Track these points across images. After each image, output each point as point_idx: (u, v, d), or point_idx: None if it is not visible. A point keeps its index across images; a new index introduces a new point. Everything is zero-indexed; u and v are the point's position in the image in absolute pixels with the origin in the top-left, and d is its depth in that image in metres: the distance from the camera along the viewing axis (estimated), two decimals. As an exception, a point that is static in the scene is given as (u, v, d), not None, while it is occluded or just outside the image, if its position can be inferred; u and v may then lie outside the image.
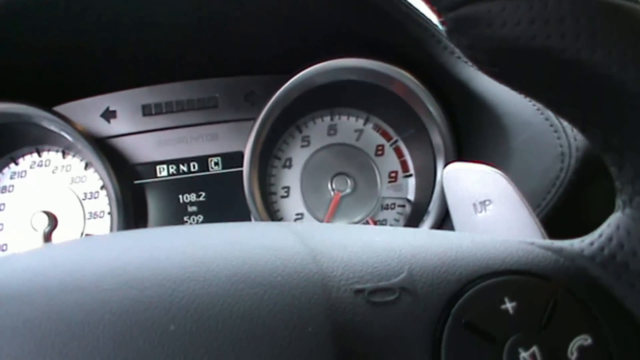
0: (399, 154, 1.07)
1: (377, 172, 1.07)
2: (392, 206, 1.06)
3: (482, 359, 0.37)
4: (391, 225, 1.06)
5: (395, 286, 0.39)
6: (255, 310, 0.36)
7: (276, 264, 0.38)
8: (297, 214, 1.06)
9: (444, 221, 0.97)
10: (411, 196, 1.06)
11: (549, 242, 0.45)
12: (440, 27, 0.43)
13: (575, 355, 0.38)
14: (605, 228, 0.43)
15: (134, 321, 0.35)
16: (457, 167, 0.60)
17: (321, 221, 1.06)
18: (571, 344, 0.38)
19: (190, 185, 1.04)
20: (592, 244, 0.43)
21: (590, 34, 0.36)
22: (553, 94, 0.41)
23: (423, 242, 0.42)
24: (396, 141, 1.07)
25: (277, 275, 0.38)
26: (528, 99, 0.79)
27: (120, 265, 0.38)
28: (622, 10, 0.37)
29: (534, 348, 0.38)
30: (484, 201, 0.54)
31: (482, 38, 0.39)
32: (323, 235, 0.43)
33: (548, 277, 0.41)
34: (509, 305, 0.39)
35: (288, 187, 1.07)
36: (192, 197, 1.04)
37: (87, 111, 1.03)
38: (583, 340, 0.39)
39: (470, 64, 0.87)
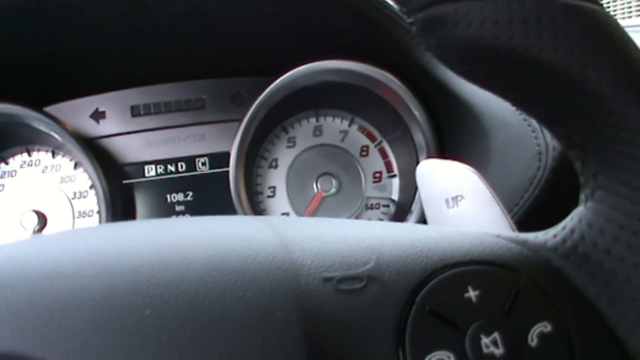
0: (384, 155, 1.09)
1: (361, 173, 1.08)
2: (377, 206, 1.08)
3: (445, 344, 0.39)
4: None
5: (363, 275, 0.40)
6: (228, 297, 0.37)
7: (249, 253, 0.40)
8: (283, 214, 1.07)
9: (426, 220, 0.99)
10: (395, 196, 1.08)
11: (514, 234, 0.46)
12: (410, 28, 0.44)
13: (535, 341, 0.40)
14: (569, 221, 0.45)
15: (111, 306, 0.36)
16: (430, 163, 0.61)
17: None
18: (532, 331, 0.40)
19: (177, 185, 1.06)
20: (555, 236, 0.45)
21: (552, 34, 0.38)
22: (519, 92, 0.42)
23: (391, 234, 0.44)
24: (380, 142, 1.09)
25: (249, 264, 0.39)
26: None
27: (100, 254, 0.40)
28: (584, 11, 0.38)
29: (495, 334, 0.39)
30: (456, 197, 0.56)
31: (449, 38, 0.40)
32: (296, 227, 0.44)
33: (511, 268, 0.42)
34: (472, 294, 0.40)
35: (274, 187, 1.08)
36: (180, 196, 1.05)
37: (77, 112, 1.05)
38: (543, 327, 0.40)
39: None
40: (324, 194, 1.06)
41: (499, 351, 0.39)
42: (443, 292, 0.40)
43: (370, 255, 0.41)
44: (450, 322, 0.39)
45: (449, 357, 0.39)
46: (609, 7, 1.58)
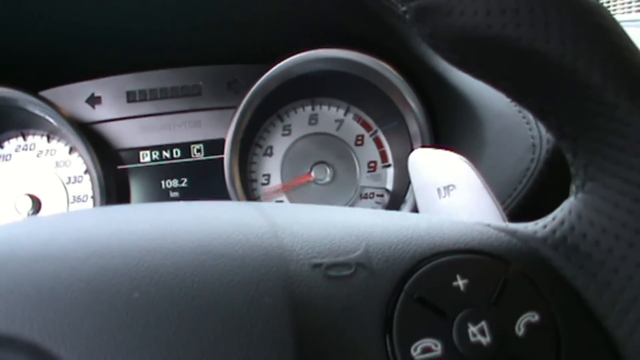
0: (379, 145, 1.09)
1: (356, 162, 1.08)
2: (371, 195, 1.08)
3: (432, 332, 0.39)
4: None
5: (352, 261, 0.40)
6: (216, 281, 0.37)
7: (238, 237, 0.40)
8: (277, 201, 1.07)
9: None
10: (389, 186, 1.08)
11: (504, 224, 0.46)
12: (404, 16, 0.44)
13: (522, 330, 0.40)
14: (559, 212, 0.45)
15: (100, 288, 0.36)
16: (422, 152, 0.61)
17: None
18: (519, 320, 0.40)
19: (172, 171, 1.06)
20: (545, 226, 0.45)
21: (545, 24, 0.38)
22: (511, 82, 0.42)
23: (381, 221, 0.44)
24: (376, 132, 1.09)
25: (238, 249, 0.39)
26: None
27: (90, 236, 0.40)
28: (576, 1, 0.38)
29: (483, 323, 0.39)
30: (448, 186, 0.56)
31: (442, 27, 0.40)
32: (286, 213, 0.45)
33: (500, 257, 0.43)
34: (460, 282, 0.40)
35: (269, 175, 1.08)
36: (175, 182, 1.05)
37: (72, 96, 1.05)
38: (531, 317, 0.40)
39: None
40: (311, 178, 1.06)
41: (486, 340, 0.39)
42: (431, 280, 0.40)
43: (359, 242, 0.41)
44: (437, 310, 0.40)
45: (436, 345, 0.39)
46: (609, 2, 1.57)
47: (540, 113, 0.43)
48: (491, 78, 0.43)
